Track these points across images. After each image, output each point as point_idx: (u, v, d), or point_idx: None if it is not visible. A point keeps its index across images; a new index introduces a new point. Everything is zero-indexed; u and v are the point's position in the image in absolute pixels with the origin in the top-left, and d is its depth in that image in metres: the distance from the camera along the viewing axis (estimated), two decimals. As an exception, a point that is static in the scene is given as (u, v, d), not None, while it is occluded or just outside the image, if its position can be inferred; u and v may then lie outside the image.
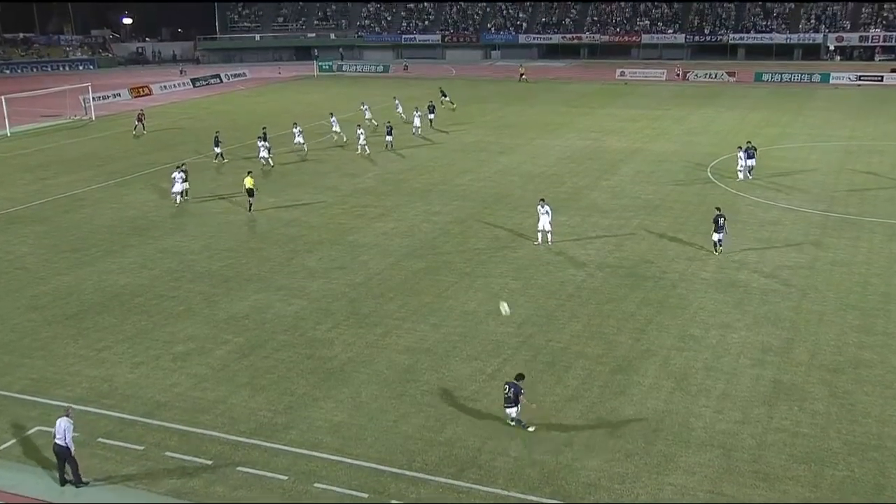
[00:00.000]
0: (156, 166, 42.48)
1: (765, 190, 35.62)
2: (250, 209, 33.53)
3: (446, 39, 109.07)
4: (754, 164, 37.56)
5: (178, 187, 34.95)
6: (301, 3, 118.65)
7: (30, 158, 45.96)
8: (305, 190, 37.26)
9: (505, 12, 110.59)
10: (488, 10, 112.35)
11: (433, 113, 53.79)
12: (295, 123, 46.80)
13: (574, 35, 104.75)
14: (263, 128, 44.92)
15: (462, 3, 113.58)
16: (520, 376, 17.18)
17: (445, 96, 61.42)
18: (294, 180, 39.16)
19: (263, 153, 41.97)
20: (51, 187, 38.77)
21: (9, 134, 53.60)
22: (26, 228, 31.94)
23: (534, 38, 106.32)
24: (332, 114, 49.63)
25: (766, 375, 19.14)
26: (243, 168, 41.42)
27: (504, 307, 20.43)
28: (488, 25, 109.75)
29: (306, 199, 35.65)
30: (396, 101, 57.68)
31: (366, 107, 54.56)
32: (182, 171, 35.35)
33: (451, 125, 53.95)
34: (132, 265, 27.36)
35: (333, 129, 48.27)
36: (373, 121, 52.25)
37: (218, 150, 43.37)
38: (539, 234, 28.50)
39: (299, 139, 45.30)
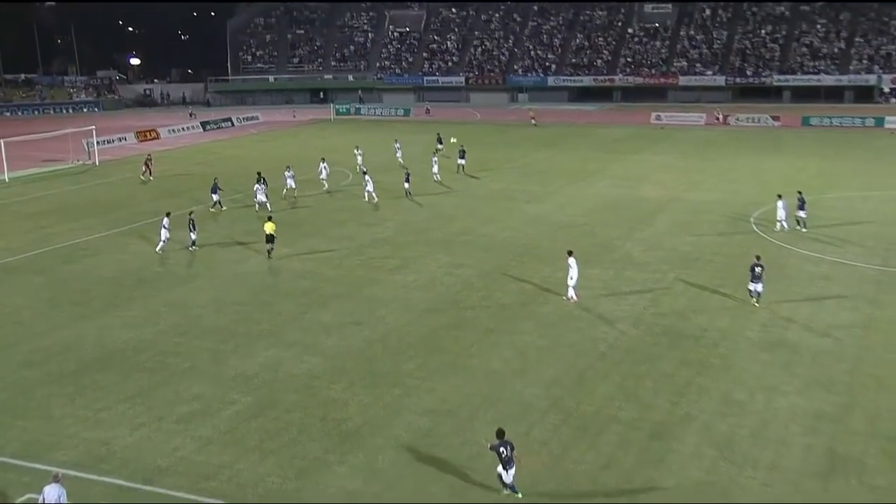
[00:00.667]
0: (162, 214, 42.94)
1: (813, 242, 35.48)
2: (269, 255, 34.44)
3: (471, 82, 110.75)
4: (805, 215, 37.46)
5: (164, 234, 35.89)
6: (318, 44, 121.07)
7: (29, 205, 46.86)
8: (320, 240, 37.61)
9: (533, 53, 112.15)
10: (515, 51, 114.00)
11: (463, 158, 54.54)
12: (288, 167, 47.65)
13: (606, 77, 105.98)
14: (259, 172, 45.81)
15: (487, 44, 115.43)
16: (501, 432, 17.17)
17: (441, 144, 61.64)
18: (308, 230, 39.56)
19: (261, 196, 43.13)
20: (50, 236, 39.45)
21: (7, 179, 54.75)
22: (23, 279, 32.42)
23: (563, 81, 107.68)
24: (323, 159, 50.07)
25: (820, 445, 18.87)
26: (246, 216, 41.97)
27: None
28: (515, 67, 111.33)
29: (321, 249, 35.97)
30: (397, 146, 58.66)
31: (360, 151, 55.89)
32: (190, 219, 35.93)
33: (476, 171, 54.44)
34: (135, 319, 27.64)
35: (321, 176, 48.97)
36: (362, 166, 53.61)
37: (216, 197, 44.10)
38: (569, 289, 28.53)
39: (290, 183, 46.53)
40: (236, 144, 72.80)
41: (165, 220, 36.27)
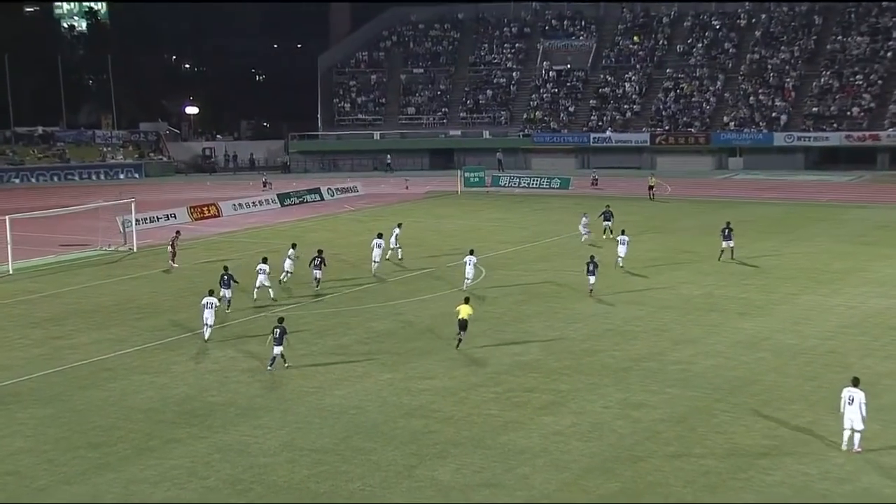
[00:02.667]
0: (221, 321, 44.17)
1: None
2: (458, 346, 39.05)
3: (658, 140, 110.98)
4: None
5: (208, 316, 40.99)
6: (442, 87, 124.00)
7: (39, 307, 48.99)
8: (438, 361, 37.85)
9: (752, 99, 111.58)
10: (726, 95, 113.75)
11: (730, 238, 56.39)
12: (294, 245, 53.64)
13: (867, 133, 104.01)
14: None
15: (684, 86, 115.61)
16: None
17: (609, 220, 65.18)
18: (423, 347, 39.91)
19: (262, 277, 48.00)
20: (65, 350, 40.89)
21: (11, 271, 57.20)
22: (25, 412, 33.41)
23: (798, 139, 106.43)
24: (379, 234, 54.78)
25: None
26: (334, 326, 42.71)
27: None
28: (724, 119, 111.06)
29: (440, 375, 36.14)
30: (584, 224, 61.89)
31: (397, 230, 58.75)
32: (278, 327, 37.05)
33: (663, 268, 54.20)
34: (175, 471, 28.12)
35: (374, 259, 53.87)
36: (398, 249, 58.11)
37: (228, 294, 46.33)
38: (845, 434, 27.83)
39: (288, 266, 51.13)
40: (326, 226, 74.73)
41: (207, 300, 41.27)
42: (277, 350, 36.81)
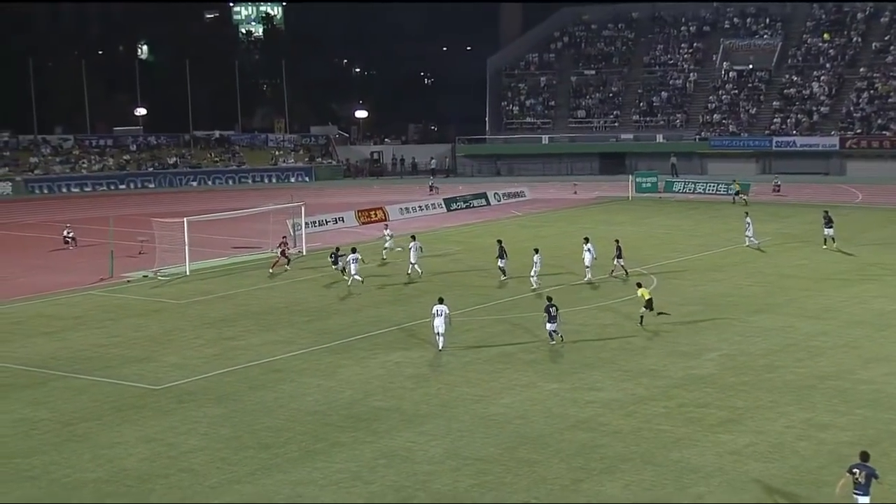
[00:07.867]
0: (388, 325, 44.96)
1: None
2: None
3: (849, 144, 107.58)
4: None
5: (439, 324, 40.47)
6: (614, 89, 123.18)
7: (212, 308, 50.53)
8: (608, 372, 37.56)
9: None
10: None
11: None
12: (354, 249, 55.17)
13: None
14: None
15: (878, 86, 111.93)
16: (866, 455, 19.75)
17: (832, 225, 62.12)
18: (592, 357, 39.65)
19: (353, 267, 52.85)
20: (236, 351, 42.10)
21: (188, 272, 59.24)
22: (199, 411, 34.55)
23: None
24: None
25: None
26: (503, 329, 42.73)
27: None
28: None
29: (608, 387, 35.87)
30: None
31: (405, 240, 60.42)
32: (552, 306, 40.56)
33: (853, 281, 52.74)
34: (341, 475, 28.56)
35: (386, 244, 60.23)
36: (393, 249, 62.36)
37: (337, 266, 55.02)
38: None
39: (353, 269, 53.27)
40: (492, 230, 74.70)
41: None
42: (551, 327, 40.38)
